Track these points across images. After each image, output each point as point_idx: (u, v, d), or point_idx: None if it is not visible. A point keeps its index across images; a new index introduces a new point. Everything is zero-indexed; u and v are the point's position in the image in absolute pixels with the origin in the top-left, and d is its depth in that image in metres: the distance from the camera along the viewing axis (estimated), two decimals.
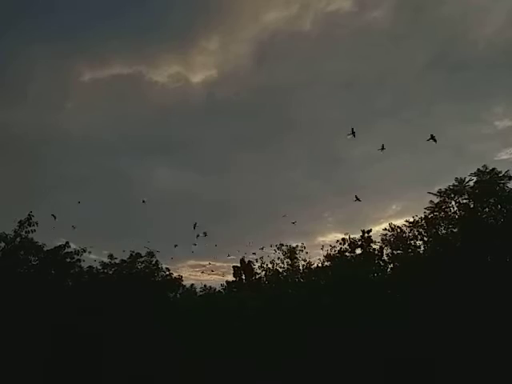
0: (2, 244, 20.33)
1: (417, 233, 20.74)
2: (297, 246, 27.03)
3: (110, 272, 23.97)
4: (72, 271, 22.25)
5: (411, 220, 20.98)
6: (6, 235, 20.32)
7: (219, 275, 32.36)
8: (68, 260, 21.82)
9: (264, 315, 21.71)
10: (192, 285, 31.15)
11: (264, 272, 27.74)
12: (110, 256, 24.24)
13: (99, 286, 22.46)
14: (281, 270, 26.87)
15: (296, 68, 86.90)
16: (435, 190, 19.91)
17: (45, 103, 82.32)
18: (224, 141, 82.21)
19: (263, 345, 20.38)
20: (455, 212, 19.57)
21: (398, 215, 65.06)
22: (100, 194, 63.43)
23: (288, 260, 26.91)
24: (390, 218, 63.89)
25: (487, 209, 18.87)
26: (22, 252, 20.62)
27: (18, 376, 17.57)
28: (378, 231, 23.10)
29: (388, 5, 76.17)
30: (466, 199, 19.26)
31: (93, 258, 24.52)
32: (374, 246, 22.86)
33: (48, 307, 19.15)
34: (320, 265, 24.75)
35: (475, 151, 58.49)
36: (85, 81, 79.12)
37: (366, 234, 23.37)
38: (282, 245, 27.24)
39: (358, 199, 20.88)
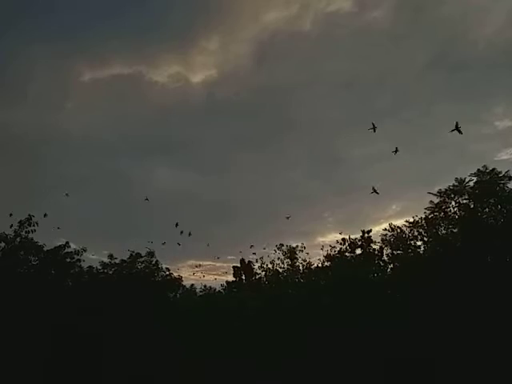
0: (2, 244, 20.30)
1: (417, 233, 20.74)
2: (297, 246, 27.19)
3: (110, 272, 23.95)
4: (72, 271, 22.22)
5: (411, 220, 21.01)
6: (6, 235, 20.28)
7: (219, 275, 32.44)
8: (68, 260, 21.78)
9: (264, 315, 21.70)
10: (192, 285, 31.32)
11: (264, 272, 27.83)
12: (110, 256, 24.22)
13: (99, 286, 22.44)
14: (281, 270, 26.97)
15: (296, 68, 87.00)
16: (435, 190, 19.91)
17: (45, 103, 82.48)
18: (224, 141, 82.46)
19: (263, 345, 20.38)
20: (455, 212, 19.54)
21: (398, 215, 64.96)
22: (100, 194, 63.72)
23: (288, 260, 26.98)
24: (389, 218, 63.74)
25: (487, 209, 18.85)
26: (21, 252, 20.57)
27: (18, 376, 17.55)
28: (377, 231, 23.23)
29: (388, 5, 76.14)
30: (466, 199, 19.23)
31: (93, 258, 24.60)
32: (374, 246, 22.97)
33: (48, 307, 19.12)
34: (320, 265, 24.88)
35: (475, 151, 58.32)
36: (85, 81, 79.26)
37: (366, 234, 23.42)
38: (282, 245, 27.34)
39: (375, 191, 19.69)
